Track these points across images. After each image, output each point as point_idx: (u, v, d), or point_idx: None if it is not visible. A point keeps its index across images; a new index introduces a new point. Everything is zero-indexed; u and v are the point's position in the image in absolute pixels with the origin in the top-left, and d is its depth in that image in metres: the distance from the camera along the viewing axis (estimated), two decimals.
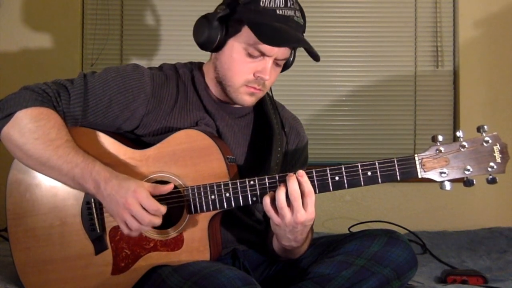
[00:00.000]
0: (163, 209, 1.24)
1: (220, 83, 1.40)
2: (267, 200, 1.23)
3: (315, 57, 1.36)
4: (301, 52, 1.43)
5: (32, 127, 1.27)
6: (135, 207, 1.22)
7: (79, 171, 1.26)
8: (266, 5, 1.31)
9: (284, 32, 1.31)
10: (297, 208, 1.20)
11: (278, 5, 1.31)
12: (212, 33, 1.35)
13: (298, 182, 1.21)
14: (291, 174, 1.22)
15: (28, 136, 1.27)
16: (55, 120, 1.29)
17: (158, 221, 1.25)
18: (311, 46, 1.35)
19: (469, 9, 2.70)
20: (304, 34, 1.40)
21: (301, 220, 1.21)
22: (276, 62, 1.37)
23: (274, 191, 1.23)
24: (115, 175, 1.26)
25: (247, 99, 1.39)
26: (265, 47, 1.32)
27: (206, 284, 1.15)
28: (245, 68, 1.35)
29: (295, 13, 1.33)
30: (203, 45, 1.39)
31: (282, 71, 1.46)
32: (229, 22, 1.36)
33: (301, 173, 1.22)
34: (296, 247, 1.33)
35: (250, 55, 1.34)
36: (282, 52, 1.35)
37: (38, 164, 1.29)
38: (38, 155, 1.27)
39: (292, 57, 1.46)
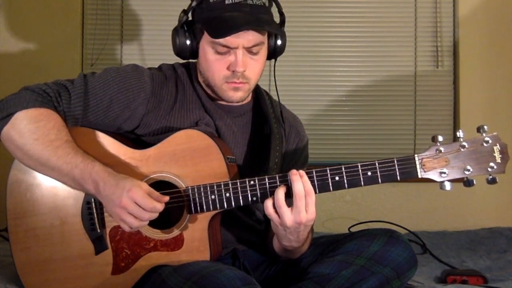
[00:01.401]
0: (159, 206, 1.23)
1: (208, 85, 1.41)
2: (269, 203, 1.23)
3: (278, 34, 1.37)
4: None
5: (31, 128, 1.27)
6: (130, 206, 1.22)
7: (79, 172, 1.26)
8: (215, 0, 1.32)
9: (231, 20, 1.30)
10: (300, 208, 1.20)
11: None
12: (181, 42, 1.39)
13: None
14: (295, 172, 1.22)
15: (27, 136, 1.27)
16: (55, 120, 1.29)
17: (155, 215, 1.25)
18: (264, 25, 1.32)
19: (469, 9, 2.70)
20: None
21: (303, 220, 1.21)
22: (249, 51, 1.35)
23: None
24: (113, 175, 1.26)
25: (233, 95, 1.38)
26: (225, 41, 1.31)
27: (206, 284, 1.15)
28: (219, 65, 1.35)
29: None
30: (179, 55, 1.42)
31: (272, 57, 1.45)
32: (193, 27, 1.38)
33: (302, 173, 1.22)
34: (297, 247, 1.33)
35: (219, 53, 1.34)
36: (247, 39, 1.32)
37: (38, 165, 1.29)
38: (37, 156, 1.27)
39: (279, 41, 1.42)
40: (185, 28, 1.39)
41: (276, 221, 1.24)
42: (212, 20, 1.32)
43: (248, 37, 1.32)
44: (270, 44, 1.42)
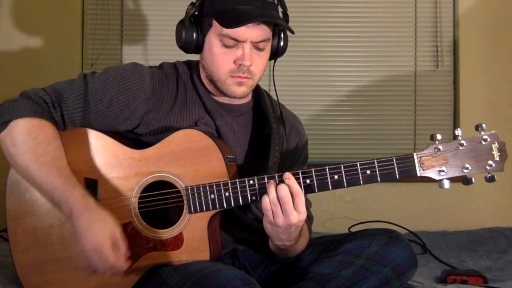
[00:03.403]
0: (118, 267, 1.27)
1: (211, 80, 1.41)
2: (266, 199, 1.23)
3: (289, 30, 1.37)
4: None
5: (22, 139, 1.27)
6: (95, 260, 1.25)
7: (57, 194, 1.27)
8: None
9: (244, 12, 1.31)
10: (289, 211, 1.21)
11: None
12: (187, 34, 1.38)
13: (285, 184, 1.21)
14: (273, 182, 1.23)
15: (18, 147, 1.27)
16: (46, 133, 1.29)
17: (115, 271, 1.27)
18: (276, 19, 1.35)
19: (469, 9, 2.70)
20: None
21: (293, 222, 1.21)
22: (256, 47, 1.36)
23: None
24: (89, 211, 1.26)
25: (237, 90, 1.38)
26: (235, 33, 1.32)
27: (206, 284, 1.15)
28: (225, 59, 1.35)
29: None
30: (183, 48, 1.41)
31: (274, 58, 1.46)
32: (201, 20, 1.38)
33: (287, 175, 1.23)
34: (290, 246, 1.34)
35: (226, 46, 1.34)
36: (256, 33, 1.34)
37: (24, 176, 1.31)
38: (23, 169, 1.29)
39: (281, 42, 1.44)
40: (192, 21, 1.39)
41: (270, 218, 1.24)
42: (225, 11, 1.32)
43: (257, 32, 1.34)
44: (273, 44, 1.43)
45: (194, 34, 1.38)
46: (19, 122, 1.27)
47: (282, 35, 1.44)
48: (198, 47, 1.40)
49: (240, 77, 1.36)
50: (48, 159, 1.28)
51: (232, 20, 1.30)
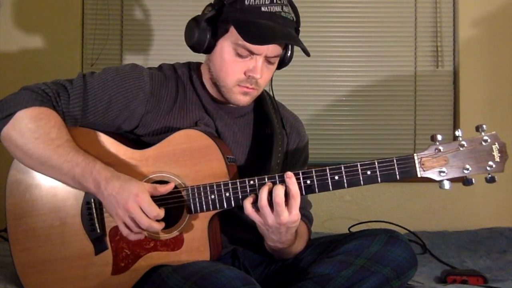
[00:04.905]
0: (161, 213, 1.25)
1: (215, 84, 1.40)
2: (247, 203, 1.24)
3: (305, 52, 1.36)
4: (301, 52, 1.43)
5: (32, 127, 1.27)
6: (135, 210, 1.22)
7: (80, 170, 1.26)
8: (251, 3, 1.31)
9: (268, 29, 1.30)
10: (280, 212, 1.20)
11: (263, 2, 1.30)
12: (200, 35, 1.36)
13: (285, 183, 1.21)
14: (267, 185, 1.23)
15: (28, 136, 1.27)
16: (55, 120, 1.29)
17: (156, 226, 1.25)
18: (298, 41, 1.34)
19: (469, 9, 2.70)
20: (300, 29, 1.40)
21: (283, 221, 1.21)
22: (268, 60, 1.36)
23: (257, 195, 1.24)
24: (116, 176, 1.26)
25: (241, 99, 1.38)
26: (252, 46, 1.31)
27: (206, 284, 1.15)
28: (236, 68, 1.35)
29: (282, 8, 1.32)
30: (193, 48, 1.40)
31: (279, 68, 1.46)
32: (217, 23, 1.36)
33: (289, 174, 1.22)
34: (282, 248, 1.34)
35: (239, 55, 1.34)
36: (271, 49, 1.34)
37: (38, 164, 1.29)
38: (38, 155, 1.27)
39: (289, 53, 1.45)
40: (208, 22, 1.37)
41: (258, 220, 1.24)
42: (247, 23, 1.30)
43: (273, 48, 1.34)
44: (280, 57, 1.43)
45: (208, 36, 1.36)
46: (24, 112, 1.27)
47: (290, 48, 1.44)
48: (208, 49, 1.39)
49: (248, 87, 1.36)
50: (62, 142, 1.28)
51: (255, 35, 1.28)
